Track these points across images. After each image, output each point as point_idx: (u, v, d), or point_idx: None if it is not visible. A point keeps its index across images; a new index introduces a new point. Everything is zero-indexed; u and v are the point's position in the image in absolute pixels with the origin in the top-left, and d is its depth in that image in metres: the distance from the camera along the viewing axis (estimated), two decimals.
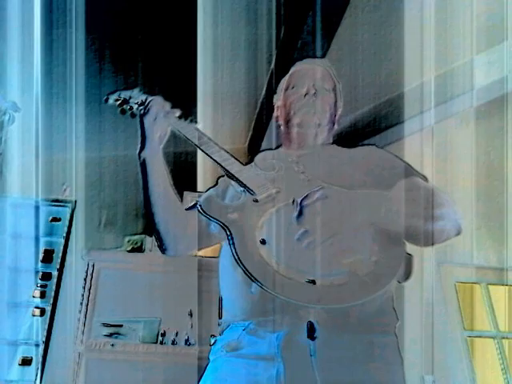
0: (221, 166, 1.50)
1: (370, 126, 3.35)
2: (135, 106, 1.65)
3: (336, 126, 1.68)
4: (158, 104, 1.58)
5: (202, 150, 1.53)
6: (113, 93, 1.70)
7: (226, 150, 1.53)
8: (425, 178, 1.51)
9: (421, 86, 3.05)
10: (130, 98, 1.67)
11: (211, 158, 1.52)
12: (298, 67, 1.70)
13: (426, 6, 2.63)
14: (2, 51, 2.89)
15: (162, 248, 1.60)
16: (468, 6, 2.61)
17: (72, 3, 2.71)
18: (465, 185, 3.25)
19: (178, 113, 1.59)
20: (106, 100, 1.70)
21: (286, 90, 1.67)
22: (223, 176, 1.55)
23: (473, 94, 2.94)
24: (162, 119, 1.57)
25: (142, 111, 1.60)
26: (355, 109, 3.31)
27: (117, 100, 1.68)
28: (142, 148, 1.57)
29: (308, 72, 1.66)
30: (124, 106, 1.67)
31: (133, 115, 1.66)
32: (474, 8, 2.61)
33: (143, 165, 1.57)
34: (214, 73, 3.15)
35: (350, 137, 3.20)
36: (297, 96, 1.63)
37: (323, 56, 2.68)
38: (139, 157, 1.58)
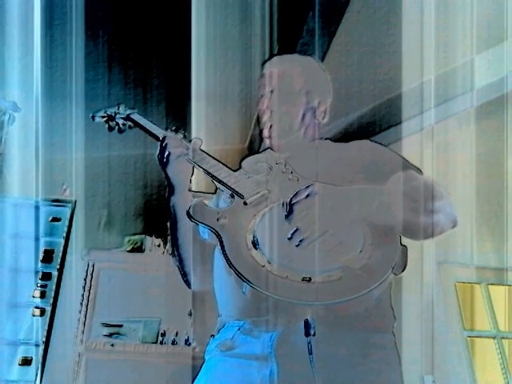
0: (208, 172, 1.49)
1: (370, 126, 3.35)
2: (121, 121, 1.71)
3: (324, 121, 1.61)
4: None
5: (189, 160, 1.54)
6: (98, 111, 1.75)
7: (213, 157, 1.53)
8: (419, 171, 1.48)
9: (421, 86, 3.05)
10: (116, 114, 1.73)
11: (198, 165, 1.52)
12: (264, 70, 1.63)
13: (426, 5, 2.63)
14: (1, 51, 2.90)
15: (187, 283, 1.63)
16: (468, 6, 2.61)
17: (72, 3, 2.71)
18: (465, 185, 3.24)
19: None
20: (93, 118, 1.75)
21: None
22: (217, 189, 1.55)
23: (473, 94, 2.94)
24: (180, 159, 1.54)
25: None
26: (355, 109, 3.31)
27: (103, 117, 1.74)
28: (171, 193, 1.58)
29: (265, 79, 1.60)
30: (110, 123, 1.73)
31: (120, 131, 1.73)
32: (474, 8, 2.61)
33: (173, 209, 1.58)
34: (212, 73, 3.15)
35: (349, 137, 3.20)
36: (261, 109, 1.60)
37: (323, 56, 2.68)
38: (169, 201, 1.58)
